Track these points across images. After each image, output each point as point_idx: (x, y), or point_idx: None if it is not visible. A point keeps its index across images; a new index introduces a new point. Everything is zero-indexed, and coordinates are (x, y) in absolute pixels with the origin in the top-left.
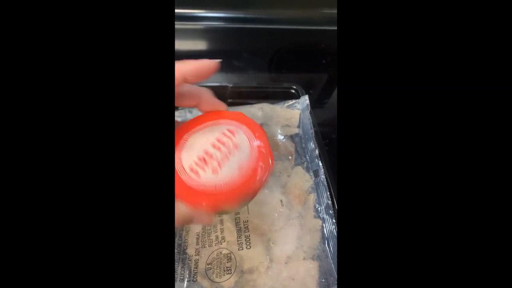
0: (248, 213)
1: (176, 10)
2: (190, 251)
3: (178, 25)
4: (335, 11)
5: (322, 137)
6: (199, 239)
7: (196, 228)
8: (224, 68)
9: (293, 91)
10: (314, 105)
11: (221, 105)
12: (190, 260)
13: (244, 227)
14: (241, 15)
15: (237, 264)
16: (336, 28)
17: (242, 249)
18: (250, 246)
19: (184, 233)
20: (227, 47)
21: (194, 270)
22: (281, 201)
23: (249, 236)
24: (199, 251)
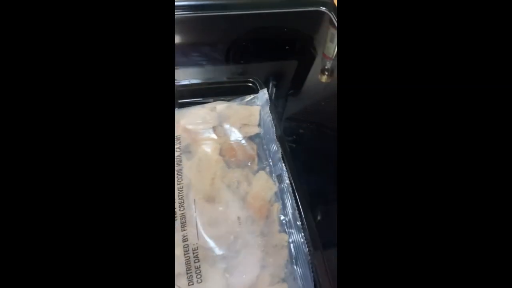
0: (198, 239)
1: None
2: None
3: None
4: None
5: (289, 133)
6: None
7: None
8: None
9: (250, 84)
10: (279, 97)
11: None
12: None
13: (194, 256)
14: (191, 2)
15: None
16: (301, 9)
17: (193, 284)
18: (201, 280)
19: None
20: (177, 39)
21: None
22: (239, 218)
23: (200, 267)
24: None
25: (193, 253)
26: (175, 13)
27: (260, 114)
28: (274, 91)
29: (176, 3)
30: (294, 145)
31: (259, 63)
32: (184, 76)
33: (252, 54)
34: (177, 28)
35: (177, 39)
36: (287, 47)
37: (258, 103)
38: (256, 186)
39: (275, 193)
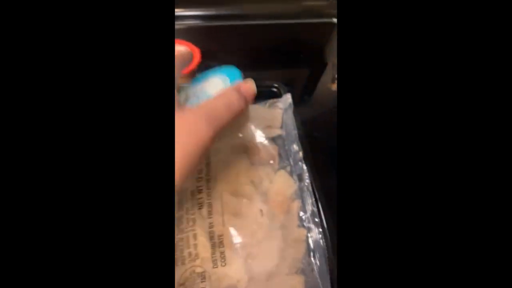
0: (223, 226)
1: None
2: None
3: None
4: (308, 2)
5: (304, 136)
6: None
7: None
8: (199, 70)
9: (275, 89)
10: (294, 102)
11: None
12: None
13: (219, 242)
14: (212, 13)
15: (212, 283)
16: (313, 20)
17: (217, 267)
18: (225, 263)
19: None
20: (200, 48)
21: None
22: (261, 210)
23: (224, 252)
24: None
25: (218, 239)
26: (191, 22)
27: (282, 117)
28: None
29: (195, 13)
30: (311, 147)
31: (275, 70)
32: None
33: (268, 62)
34: (196, 37)
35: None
36: (301, 55)
37: (281, 106)
38: (277, 183)
39: (295, 191)
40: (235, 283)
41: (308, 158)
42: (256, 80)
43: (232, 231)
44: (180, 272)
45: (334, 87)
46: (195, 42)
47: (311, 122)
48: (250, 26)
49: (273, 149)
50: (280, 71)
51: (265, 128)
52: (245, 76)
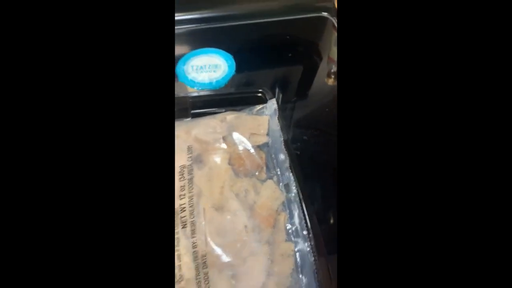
0: (206, 246)
1: None
2: None
3: None
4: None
5: (294, 140)
6: None
7: None
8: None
9: (260, 94)
10: (286, 103)
11: None
12: None
13: (202, 262)
14: (195, 16)
15: None
16: (303, 16)
17: None
18: (209, 286)
19: None
20: (181, 52)
21: None
22: (246, 227)
23: (208, 273)
24: None
25: (202, 259)
26: (181, 27)
27: (268, 124)
28: (280, 98)
29: (180, 17)
30: (299, 152)
31: (264, 70)
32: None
33: (257, 63)
34: (183, 41)
35: (178, 51)
36: (290, 54)
37: (267, 113)
38: (263, 195)
39: (283, 202)
40: None
41: (295, 167)
42: (240, 86)
43: (216, 250)
44: None
45: (331, 82)
46: (192, 45)
47: (303, 125)
48: (238, 26)
49: (259, 158)
50: (273, 70)
51: (251, 135)
52: (233, 79)
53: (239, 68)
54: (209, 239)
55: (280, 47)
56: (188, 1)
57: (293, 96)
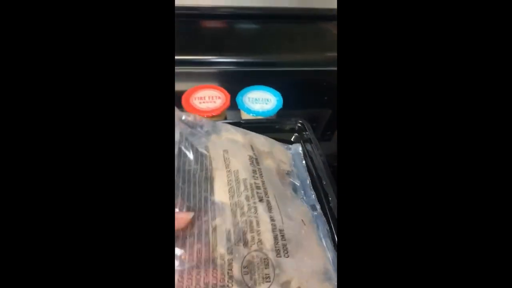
0: (283, 223)
1: (193, 56)
2: (220, 249)
3: (194, 69)
4: (335, 54)
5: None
6: (231, 237)
7: (225, 225)
8: (237, 106)
9: (299, 125)
10: (318, 137)
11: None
12: (223, 260)
13: (281, 236)
14: (257, 60)
15: (275, 272)
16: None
17: (281, 257)
18: (288, 255)
19: (211, 229)
20: (238, 87)
21: (229, 273)
22: (302, 221)
23: (286, 245)
24: (231, 250)
25: (280, 233)
26: (243, 69)
27: (293, 159)
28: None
29: (244, 60)
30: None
31: (303, 109)
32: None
33: (297, 101)
34: (245, 78)
35: (236, 87)
36: (325, 98)
37: (292, 152)
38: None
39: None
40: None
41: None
42: (284, 116)
43: (288, 229)
44: (242, 254)
45: None
46: (249, 82)
47: (332, 155)
48: (281, 72)
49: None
50: (307, 110)
51: (279, 162)
52: (285, 109)
53: (285, 104)
54: (285, 218)
55: (318, 91)
56: (253, 49)
57: (319, 134)
